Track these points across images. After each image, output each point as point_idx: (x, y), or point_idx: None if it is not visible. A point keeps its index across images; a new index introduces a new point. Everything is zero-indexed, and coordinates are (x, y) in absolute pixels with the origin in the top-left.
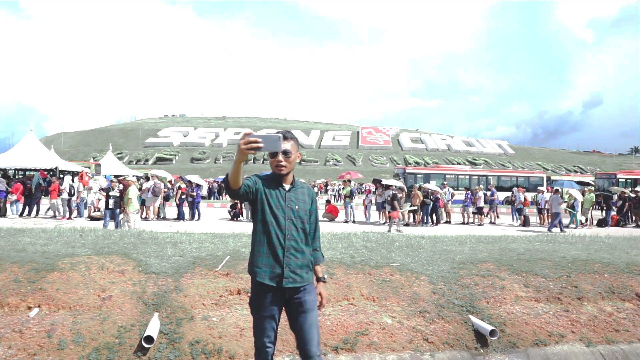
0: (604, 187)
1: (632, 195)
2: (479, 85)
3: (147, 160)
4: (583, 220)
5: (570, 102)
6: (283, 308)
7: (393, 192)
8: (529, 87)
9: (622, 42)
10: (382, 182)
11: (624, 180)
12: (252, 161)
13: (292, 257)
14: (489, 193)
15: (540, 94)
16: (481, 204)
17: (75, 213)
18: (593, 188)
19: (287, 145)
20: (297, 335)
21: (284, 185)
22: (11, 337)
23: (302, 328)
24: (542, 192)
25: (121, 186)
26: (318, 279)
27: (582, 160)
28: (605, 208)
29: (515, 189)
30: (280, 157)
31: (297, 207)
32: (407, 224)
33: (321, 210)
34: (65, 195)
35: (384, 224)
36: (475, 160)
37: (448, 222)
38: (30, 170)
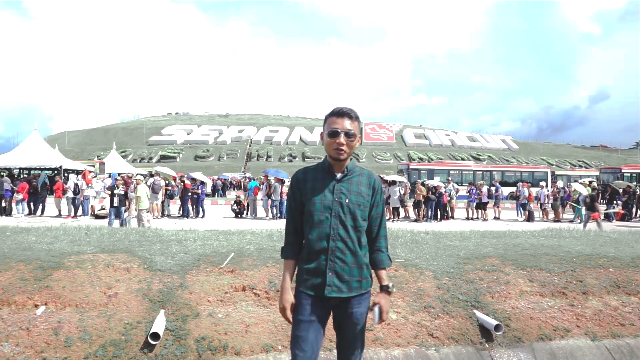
0: (608, 181)
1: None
2: (484, 81)
3: (151, 159)
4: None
5: (576, 97)
6: (330, 317)
7: (591, 193)
8: (535, 82)
9: (629, 35)
10: (385, 179)
11: (629, 174)
12: (264, 158)
13: (337, 261)
14: (493, 188)
15: (546, 89)
16: (485, 199)
17: (80, 211)
18: (587, 182)
19: (351, 125)
20: (338, 346)
21: (335, 174)
22: (18, 334)
23: (346, 340)
24: (542, 186)
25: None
26: (381, 288)
27: (587, 154)
28: (608, 202)
29: (519, 184)
30: (342, 138)
31: (347, 200)
32: (416, 220)
33: None
34: (70, 194)
35: (388, 219)
36: (479, 155)
37: (452, 217)
38: (35, 169)
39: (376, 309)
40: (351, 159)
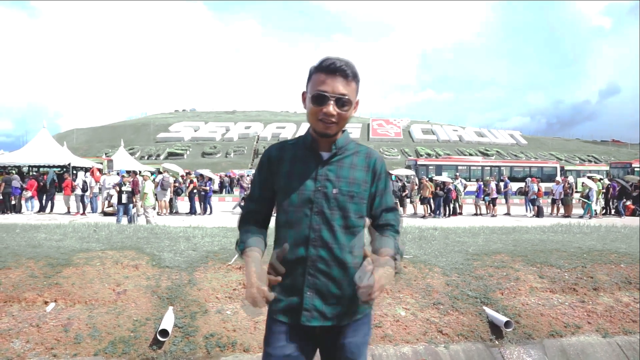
0: (618, 176)
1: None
2: (492, 76)
3: (158, 156)
4: (598, 210)
5: (586, 91)
6: (316, 350)
7: None
8: (544, 77)
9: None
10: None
11: (639, 169)
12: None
13: (319, 276)
14: (502, 184)
15: (556, 83)
16: (495, 194)
17: (88, 208)
18: (598, 177)
19: (345, 89)
20: None
21: (320, 153)
22: (29, 331)
23: None
24: (558, 182)
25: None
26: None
27: (597, 149)
28: (618, 197)
29: (528, 179)
30: (332, 107)
31: (334, 190)
32: (423, 216)
33: None
34: (78, 191)
35: None
36: (488, 151)
37: (460, 213)
38: (43, 166)
39: (366, 276)
40: (344, 131)
